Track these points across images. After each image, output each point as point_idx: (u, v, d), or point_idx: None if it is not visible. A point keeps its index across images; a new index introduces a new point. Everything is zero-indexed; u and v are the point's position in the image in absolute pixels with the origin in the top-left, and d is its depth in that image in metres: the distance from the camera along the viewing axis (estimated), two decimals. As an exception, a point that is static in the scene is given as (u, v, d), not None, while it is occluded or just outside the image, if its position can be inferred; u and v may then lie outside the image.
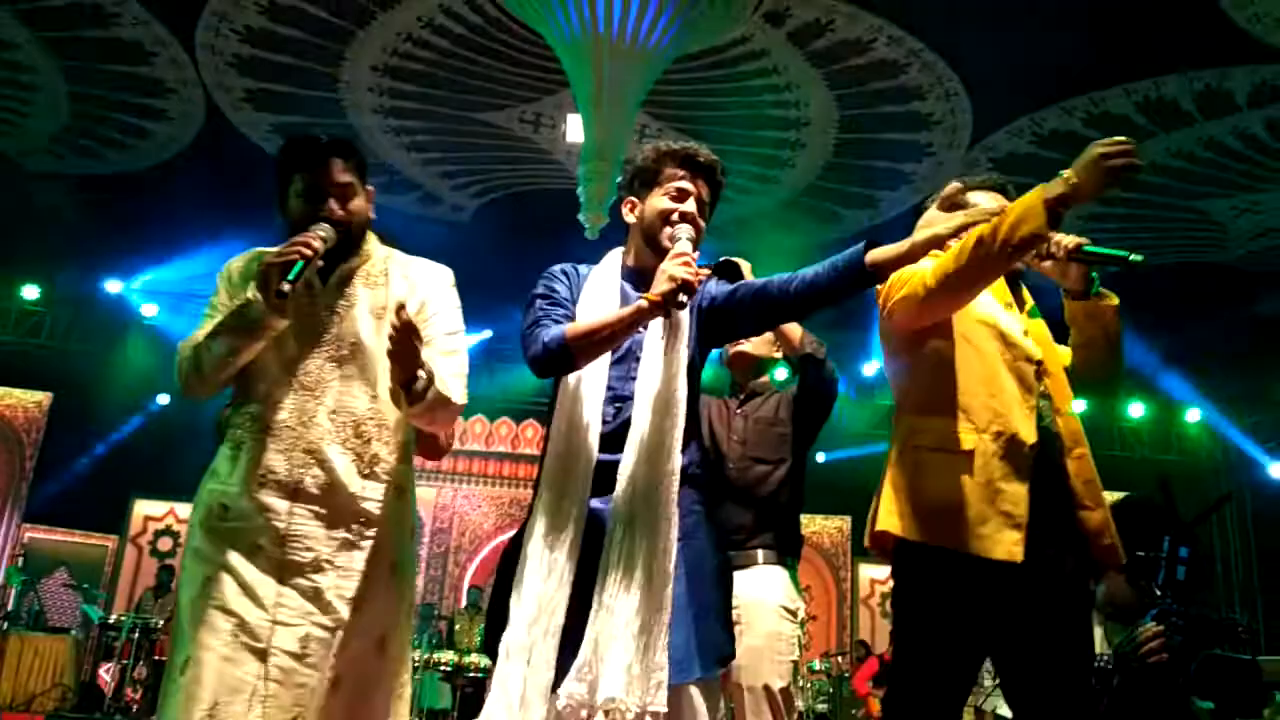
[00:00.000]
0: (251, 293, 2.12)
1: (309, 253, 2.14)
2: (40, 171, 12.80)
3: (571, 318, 2.22)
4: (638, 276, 2.30)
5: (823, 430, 3.14)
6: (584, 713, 1.94)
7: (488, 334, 12.92)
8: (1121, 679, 2.60)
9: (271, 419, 2.15)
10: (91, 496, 11.40)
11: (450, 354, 2.31)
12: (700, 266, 2.75)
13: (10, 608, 9.88)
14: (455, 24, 11.01)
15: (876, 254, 2.06)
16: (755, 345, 3.18)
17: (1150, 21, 9.54)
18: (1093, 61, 10.27)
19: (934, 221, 2.12)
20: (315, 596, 2.10)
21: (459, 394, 2.28)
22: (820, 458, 11.26)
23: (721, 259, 2.77)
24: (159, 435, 10.52)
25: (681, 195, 2.31)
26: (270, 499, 2.11)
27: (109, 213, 12.33)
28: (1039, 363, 2.27)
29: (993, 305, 2.33)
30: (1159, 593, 2.67)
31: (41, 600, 10.13)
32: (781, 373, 3.08)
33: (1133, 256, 2.16)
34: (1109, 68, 10.45)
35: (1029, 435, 2.19)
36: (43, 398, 12.24)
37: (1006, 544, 2.08)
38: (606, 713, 1.92)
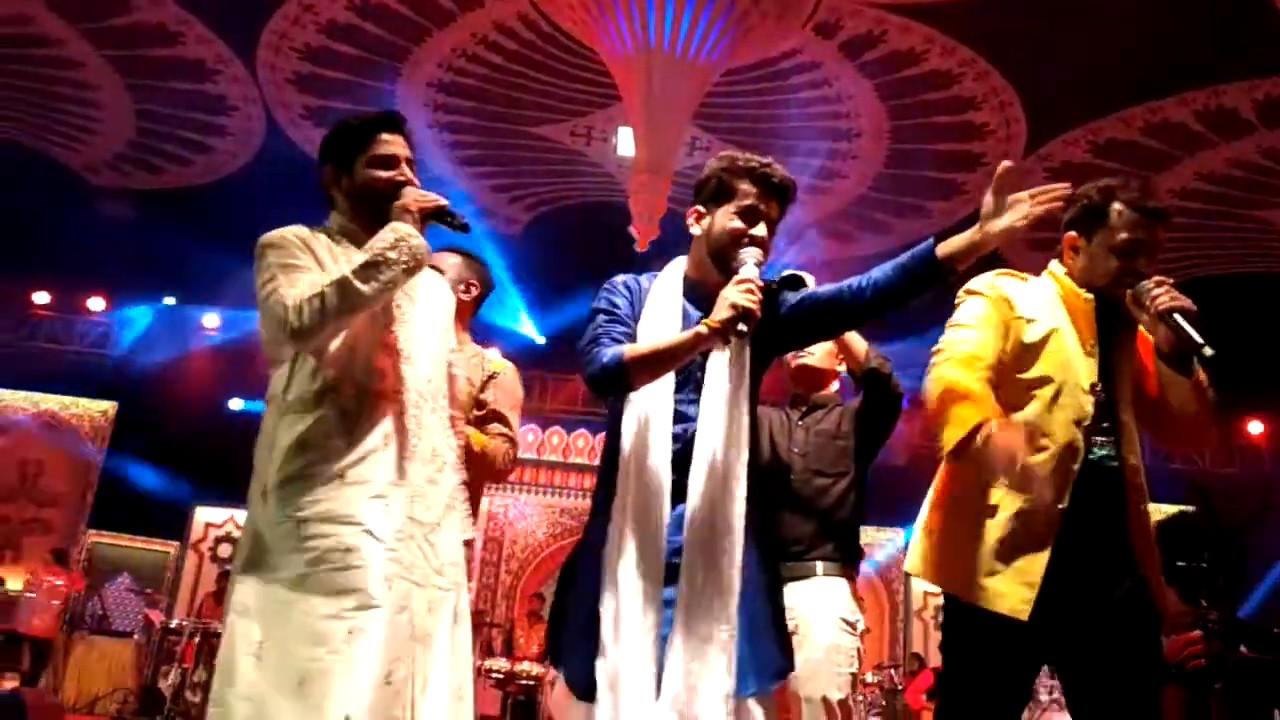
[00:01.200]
0: (408, 230, 2.14)
1: (445, 205, 2.25)
2: (105, 186, 13.17)
3: (631, 334, 2.19)
4: (699, 292, 2.24)
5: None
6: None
7: (541, 340, 13.04)
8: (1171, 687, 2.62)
9: (378, 385, 2.16)
10: (154, 504, 11.66)
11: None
12: (766, 280, 2.77)
13: (76, 612, 10.16)
14: (508, 39, 11.16)
15: (947, 246, 2.02)
16: (818, 359, 3.16)
17: (1208, 29, 9.39)
18: (1150, 70, 10.13)
19: (998, 207, 2.06)
20: (434, 557, 2.13)
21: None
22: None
23: (787, 272, 2.79)
24: (220, 445, 10.74)
25: (753, 216, 2.21)
26: (394, 460, 2.12)
27: (172, 226, 12.64)
28: (1099, 409, 2.18)
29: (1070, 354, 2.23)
30: (1204, 603, 2.68)
31: (105, 604, 10.39)
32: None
33: (1207, 351, 2.09)
34: (1166, 76, 10.30)
35: (1059, 497, 2.12)
36: (108, 407, 12.55)
37: (1014, 601, 2.07)
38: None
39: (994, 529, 2.14)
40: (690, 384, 2.19)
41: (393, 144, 2.32)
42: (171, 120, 12.42)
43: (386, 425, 2.14)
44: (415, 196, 2.22)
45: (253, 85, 11.82)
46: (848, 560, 3.00)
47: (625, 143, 11.81)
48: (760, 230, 2.21)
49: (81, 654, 9.62)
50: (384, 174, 2.29)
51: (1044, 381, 2.19)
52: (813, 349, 3.14)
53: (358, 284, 2.07)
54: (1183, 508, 4.10)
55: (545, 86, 11.74)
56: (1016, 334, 2.25)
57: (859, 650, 2.94)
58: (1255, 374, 12.14)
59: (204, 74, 11.68)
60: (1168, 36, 9.50)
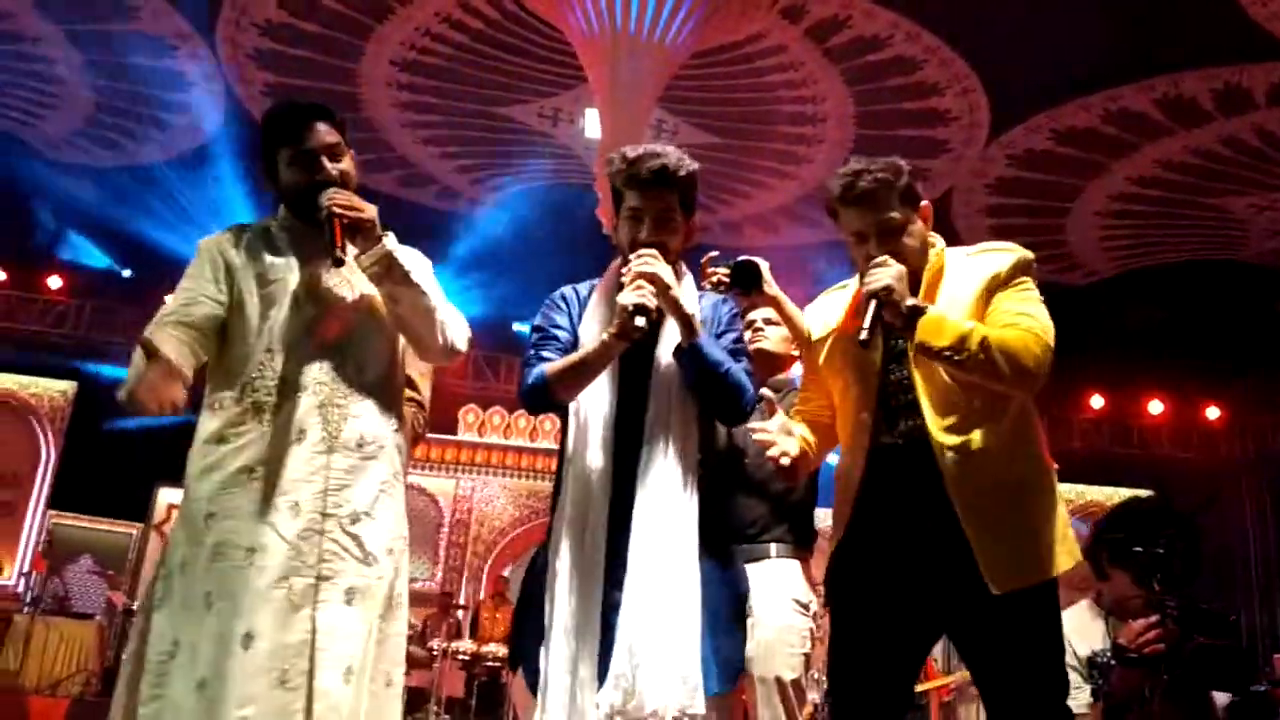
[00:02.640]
0: (140, 357, 2.06)
1: (363, 219, 2.19)
2: (63, 163, 12.95)
3: (565, 347, 2.23)
4: None
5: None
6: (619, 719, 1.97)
7: (516, 326, 13.00)
8: (1120, 671, 2.68)
9: (298, 378, 2.16)
10: (116, 485, 11.54)
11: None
12: (716, 268, 2.80)
13: (36, 594, 10.06)
14: (474, 18, 11.08)
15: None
16: (773, 343, 3.18)
17: (1169, 18, 9.52)
18: (1111, 58, 10.25)
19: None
20: (357, 548, 2.12)
21: (453, 316, 2.33)
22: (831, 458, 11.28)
23: (739, 259, 2.81)
24: (182, 425, 10.64)
25: (637, 220, 2.22)
26: (309, 454, 2.11)
27: (132, 203, 12.48)
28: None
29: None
30: (1157, 588, 2.73)
31: (66, 586, 10.30)
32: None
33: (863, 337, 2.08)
34: (1127, 64, 10.43)
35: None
36: (67, 387, 12.38)
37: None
38: (652, 715, 1.95)
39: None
40: (640, 370, 2.23)
41: (311, 139, 2.28)
42: (130, 97, 12.23)
43: (305, 419, 2.14)
44: (334, 204, 2.19)
45: (213, 62, 11.66)
46: (801, 542, 3.03)
47: (592, 125, 11.79)
48: (644, 232, 2.21)
49: (43, 636, 9.52)
50: (302, 176, 2.27)
51: (837, 381, 2.34)
52: (768, 333, 3.16)
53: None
54: (1137, 492, 4.21)
55: (511, 67, 11.68)
56: (817, 353, 2.41)
57: (812, 631, 2.98)
58: (1212, 360, 12.41)
59: (163, 50, 11.51)
60: (1128, 24, 9.62)
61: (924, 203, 2.27)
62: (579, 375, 2.16)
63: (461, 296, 13.46)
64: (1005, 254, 2.22)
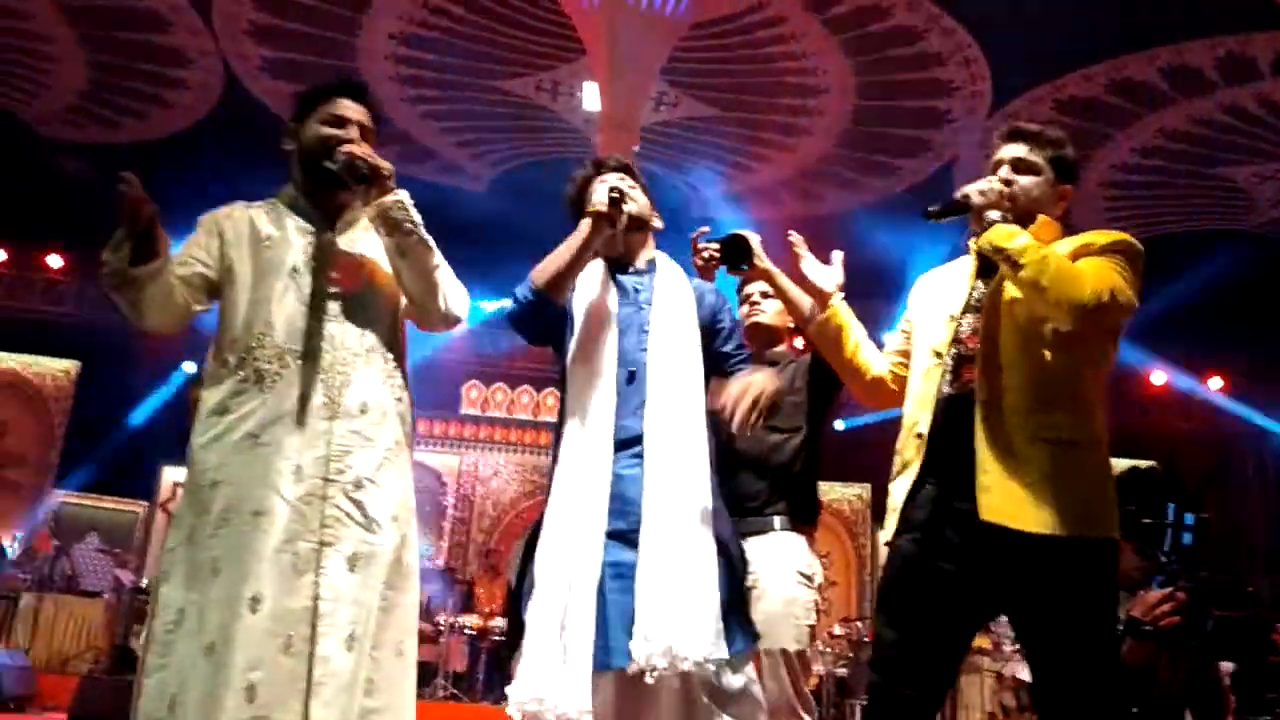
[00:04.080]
0: (109, 255, 2.26)
1: (382, 167, 2.22)
2: (60, 140, 12.88)
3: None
4: (610, 262, 2.46)
5: (842, 396, 3.14)
6: (648, 674, 2.00)
7: (507, 303, 12.96)
8: (1132, 644, 2.66)
9: (299, 345, 2.17)
10: (121, 464, 11.57)
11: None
12: (708, 243, 2.82)
13: (44, 573, 10.10)
14: (472, -9, 10.99)
15: None
16: (771, 316, 3.16)
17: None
18: (1114, 27, 10.16)
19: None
20: (360, 513, 2.13)
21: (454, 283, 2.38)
22: (839, 425, 11.27)
23: (730, 234, 2.80)
24: (186, 403, 10.66)
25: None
26: (312, 420, 2.12)
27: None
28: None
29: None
30: (1164, 559, 2.72)
31: (74, 565, 10.34)
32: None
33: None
34: (1131, 33, 10.34)
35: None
36: (70, 366, 12.38)
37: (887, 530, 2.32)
38: (670, 663, 1.98)
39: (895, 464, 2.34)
40: (635, 331, 2.27)
41: (348, 108, 2.33)
42: (126, 73, 12.15)
43: (306, 386, 2.15)
44: (352, 150, 2.22)
45: (209, 37, 11.57)
46: (804, 516, 3.03)
47: (591, 98, 11.71)
48: (602, 196, 2.42)
49: (51, 614, 9.57)
50: (329, 130, 2.29)
51: (918, 331, 2.44)
52: (764, 307, 3.15)
53: (105, 275, 2.25)
54: (1136, 463, 4.19)
55: (509, 40, 11.58)
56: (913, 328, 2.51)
57: (816, 603, 2.99)
58: (1213, 331, 12.37)
59: (159, 25, 11.41)
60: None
61: (1068, 185, 2.39)
62: (566, 268, 2.28)
63: (460, 271, 13.36)
64: (1108, 234, 2.29)
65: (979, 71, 11.13)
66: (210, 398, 2.18)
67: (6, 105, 12.55)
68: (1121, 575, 3.07)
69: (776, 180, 13.06)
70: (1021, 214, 2.26)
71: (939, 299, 2.40)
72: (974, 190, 2.25)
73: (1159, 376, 13.39)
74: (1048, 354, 2.18)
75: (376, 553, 2.12)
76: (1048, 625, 2.11)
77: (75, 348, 12.43)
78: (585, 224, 2.28)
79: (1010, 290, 2.22)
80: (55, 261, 12.94)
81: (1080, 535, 2.09)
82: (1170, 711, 2.82)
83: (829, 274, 2.62)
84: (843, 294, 2.63)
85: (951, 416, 2.22)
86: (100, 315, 12.95)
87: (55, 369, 12.40)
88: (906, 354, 2.47)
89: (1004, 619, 2.49)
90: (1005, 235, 2.16)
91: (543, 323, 2.29)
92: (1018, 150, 2.35)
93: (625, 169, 2.54)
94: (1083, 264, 2.18)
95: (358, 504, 2.13)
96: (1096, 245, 2.23)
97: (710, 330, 2.41)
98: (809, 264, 2.62)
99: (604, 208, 2.28)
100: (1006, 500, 2.09)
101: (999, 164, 2.36)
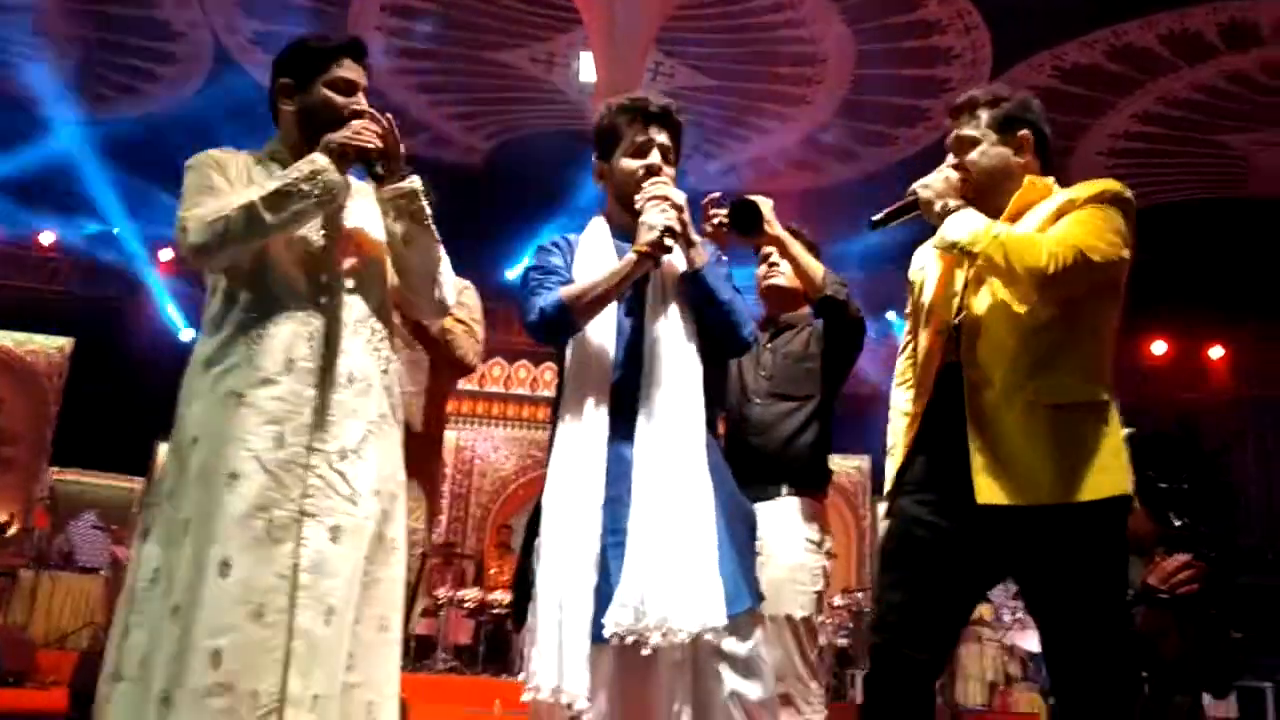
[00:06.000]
0: (325, 163, 2.09)
1: (374, 148, 2.16)
2: (51, 116, 12.76)
3: (566, 284, 2.24)
4: (625, 235, 2.29)
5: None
6: (631, 639, 1.95)
7: (511, 274, 12.90)
8: (1146, 611, 2.63)
9: (290, 307, 2.11)
10: (116, 440, 11.53)
11: None
12: (717, 209, 2.77)
13: (42, 550, 10.09)
14: (466, -40, 10.86)
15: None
16: (788, 279, 3.09)
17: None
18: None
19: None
20: (345, 485, 2.07)
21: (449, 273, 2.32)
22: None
23: (739, 198, 2.75)
24: (178, 378, 10.63)
25: (644, 150, 2.29)
26: (298, 385, 2.06)
27: (122, 157, 12.31)
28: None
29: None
30: (1177, 524, 2.68)
31: (71, 541, 10.32)
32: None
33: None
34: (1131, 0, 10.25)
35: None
36: (64, 343, 12.31)
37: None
38: (664, 635, 1.93)
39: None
40: (638, 309, 2.23)
41: (352, 70, 2.27)
42: (116, 48, 12.02)
43: (295, 349, 2.08)
44: (345, 135, 2.15)
45: (198, 9, 11.43)
46: (814, 484, 2.99)
47: (587, 69, 11.59)
48: (654, 158, 2.29)
49: (49, 591, 9.58)
50: (340, 99, 2.22)
51: (921, 309, 2.41)
52: (783, 268, 3.08)
53: (264, 212, 2.03)
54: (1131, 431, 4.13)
55: (503, 9, 11.46)
56: (918, 294, 2.47)
57: (825, 569, 2.95)
58: (1216, 299, 12.33)
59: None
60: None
61: (1022, 132, 2.31)
62: (598, 297, 2.18)
63: (453, 245, 13.31)
64: (1092, 184, 2.24)
65: (979, 39, 11.03)
66: (201, 350, 2.13)
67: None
68: (1133, 539, 3.04)
69: (774, 151, 12.96)
70: (987, 188, 2.25)
71: (935, 271, 2.38)
72: (919, 186, 2.23)
73: (1159, 346, 13.36)
74: (1039, 319, 2.14)
75: (361, 526, 2.07)
76: (1057, 590, 2.08)
77: (68, 325, 12.37)
78: (630, 260, 2.18)
79: None
80: (46, 239, 12.86)
81: (1088, 499, 2.06)
82: (1182, 679, 2.80)
83: None
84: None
85: (948, 388, 2.21)
86: (93, 291, 12.91)
87: (49, 346, 12.35)
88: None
89: (1003, 588, 2.48)
90: (954, 228, 2.16)
91: (564, 337, 2.24)
92: (957, 129, 2.33)
93: (671, 123, 2.34)
94: (1056, 228, 2.15)
95: (341, 475, 2.07)
96: (1080, 199, 2.20)
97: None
98: None
99: (654, 250, 2.16)
100: (1001, 479, 2.07)
101: (947, 148, 2.34)
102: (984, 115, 2.30)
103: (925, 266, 2.43)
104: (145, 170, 12.01)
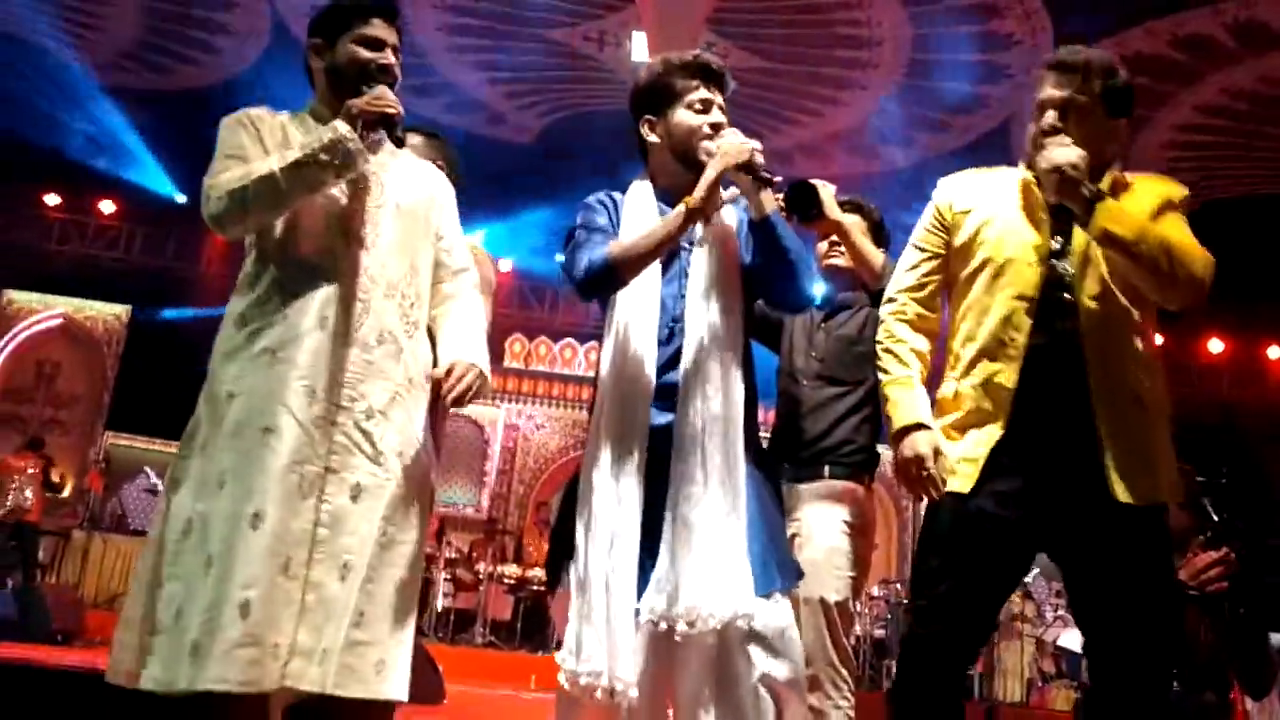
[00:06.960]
0: (346, 131, 2.09)
1: (396, 113, 2.16)
2: (112, 87, 12.99)
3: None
4: (671, 195, 2.23)
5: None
6: (664, 625, 1.96)
7: (558, 258, 12.95)
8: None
9: (323, 266, 2.13)
10: (170, 406, 11.75)
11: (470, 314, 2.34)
12: (778, 195, 2.72)
13: (95, 511, 10.35)
14: (521, -61, 10.85)
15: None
16: (849, 260, 3.01)
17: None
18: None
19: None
20: (368, 445, 2.09)
21: (482, 340, 2.32)
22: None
23: (800, 181, 2.70)
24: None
25: (706, 106, 2.24)
26: (330, 344, 2.08)
27: (181, 127, 12.50)
28: None
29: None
30: (1216, 518, 2.64)
31: (123, 505, 10.57)
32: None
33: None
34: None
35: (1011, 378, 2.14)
36: (122, 310, 12.58)
37: (960, 478, 2.15)
38: (690, 624, 1.93)
39: (951, 410, 2.18)
40: (677, 278, 2.22)
41: (382, 29, 2.26)
42: (176, 18, 12.18)
43: (326, 308, 2.10)
44: (366, 100, 2.15)
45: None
46: (860, 467, 2.96)
47: (639, 48, 11.56)
48: (717, 116, 2.24)
49: (100, 552, 9.83)
50: (366, 54, 2.23)
51: (983, 265, 2.17)
52: (842, 248, 3.03)
53: (283, 182, 2.05)
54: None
55: (558, -11, 11.45)
56: (954, 232, 2.24)
57: (863, 555, 2.92)
58: (1274, 298, 12.03)
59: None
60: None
61: (1124, 120, 2.19)
62: (646, 252, 2.15)
63: (506, 224, 13.43)
64: (1170, 185, 2.18)
65: (1040, 24, 10.81)
66: (234, 308, 2.16)
67: (58, 52, 12.65)
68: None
69: (827, 135, 12.84)
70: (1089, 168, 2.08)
71: (1003, 228, 2.17)
72: (1068, 162, 2.01)
73: (1216, 344, 13.09)
74: (1136, 312, 2.09)
75: (383, 487, 2.10)
76: (1128, 585, 2.02)
77: (126, 292, 12.61)
78: (680, 212, 2.14)
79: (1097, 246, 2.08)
80: (107, 207, 13.11)
81: (1164, 500, 2.04)
82: (1214, 677, 2.76)
83: None
84: None
85: (1042, 369, 2.07)
86: (151, 261, 13.16)
87: (107, 313, 12.62)
88: (934, 281, 2.29)
89: (1046, 585, 2.43)
90: (1116, 219, 2.00)
91: (608, 293, 2.23)
92: (1059, 88, 2.13)
93: (725, 86, 2.30)
94: (1175, 231, 2.08)
95: (366, 434, 2.09)
96: (1177, 200, 2.13)
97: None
98: None
99: (703, 205, 2.14)
100: (1129, 478, 2.00)
101: (1044, 105, 2.14)
102: (1098, 83, 2.13)
103: (978, 210, 2.22)
104: (205, 140, 12.17)
